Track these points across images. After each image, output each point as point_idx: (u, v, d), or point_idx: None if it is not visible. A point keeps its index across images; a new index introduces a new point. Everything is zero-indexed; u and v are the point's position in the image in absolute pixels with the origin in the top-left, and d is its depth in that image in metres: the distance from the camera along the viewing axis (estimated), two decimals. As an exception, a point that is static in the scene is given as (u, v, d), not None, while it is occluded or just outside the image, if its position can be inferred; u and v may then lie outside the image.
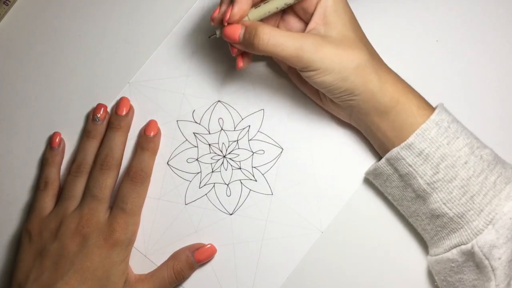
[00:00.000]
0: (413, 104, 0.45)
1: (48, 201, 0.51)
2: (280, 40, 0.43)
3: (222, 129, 0.53)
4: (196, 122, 0.53)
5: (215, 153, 0.53)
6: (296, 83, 0.52)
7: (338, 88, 0.45)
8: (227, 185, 0.52)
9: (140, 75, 0.54)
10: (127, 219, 0.49)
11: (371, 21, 0.53)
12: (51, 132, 0.54)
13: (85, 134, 0.52)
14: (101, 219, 0.48)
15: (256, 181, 0.52)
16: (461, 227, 0.44)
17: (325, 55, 0.43)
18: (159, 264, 0.51)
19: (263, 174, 0.52)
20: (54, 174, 0.52)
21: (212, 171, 0.52)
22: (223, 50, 0.54)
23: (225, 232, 0.51)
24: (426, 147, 0.44)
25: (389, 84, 0.45)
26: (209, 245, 0.50)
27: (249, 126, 0.53)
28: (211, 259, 0.50)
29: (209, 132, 0.53)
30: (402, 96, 0.45)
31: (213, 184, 0.52)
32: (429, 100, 0.47)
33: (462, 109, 0.48)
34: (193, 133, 0.53)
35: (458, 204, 0.44)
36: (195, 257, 0.50)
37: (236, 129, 0.53)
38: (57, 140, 0.53)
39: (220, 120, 0.53)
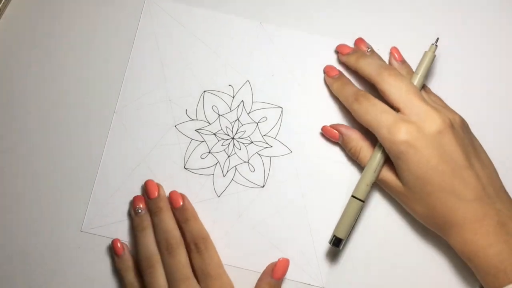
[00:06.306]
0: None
1: None
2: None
3: (219, 115, 0.54)
4: (193, 120, 0.54)
5: (223, 139, 0.53)
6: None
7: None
8: (248, 162, 0.53)
9: (122, 100, 0.54)
10: (220, 283, 0.49)
11: (371, 21, 0.54)
12: (53, 132, 0.53)
13: (136, 229, 0.51)
14: None
15: (271, 147, 0.53)
16: None
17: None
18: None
19: (275, 138, 0.53)
20: (133, 277, 0.51)
21: (228, 156, 0.53)
22: (187, 48, 0.54)
23: (267, 204, 0.52)
24: None
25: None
26: (281, 259, 0.50)
27: (242, 101, 0.54)
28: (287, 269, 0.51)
29: (209, 122, 0.54)
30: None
31: (234, 167, 0.53)
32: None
33: (462, 109, 0.48)
34: (195, 130, 0.54)
35: None
36: (274, 277, 0.50)
37: (232, 109, 0.54)
38: (119, 246, 0.52)
39: (214, 107, 0.54)
